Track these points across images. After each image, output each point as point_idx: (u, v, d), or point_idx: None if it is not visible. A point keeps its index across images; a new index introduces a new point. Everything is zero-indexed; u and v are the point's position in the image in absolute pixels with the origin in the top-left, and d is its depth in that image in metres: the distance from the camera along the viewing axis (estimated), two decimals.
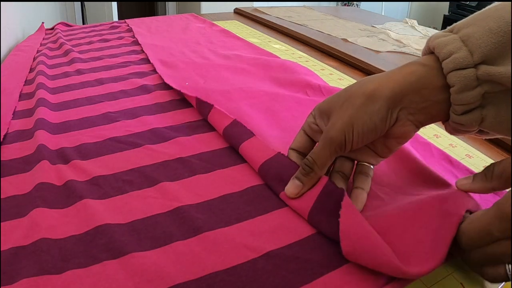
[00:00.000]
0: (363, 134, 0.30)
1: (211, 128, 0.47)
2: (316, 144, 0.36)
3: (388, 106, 0.30)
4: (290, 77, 0.62)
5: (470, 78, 0.28)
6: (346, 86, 0.33)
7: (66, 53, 0.78)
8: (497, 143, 0.46)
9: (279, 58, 0.72)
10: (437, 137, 0.46)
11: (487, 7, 0.29)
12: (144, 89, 0.58)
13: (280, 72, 0.64)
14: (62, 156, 0.41)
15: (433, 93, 0.29)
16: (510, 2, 0.27)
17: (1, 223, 0.31)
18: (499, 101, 0.28)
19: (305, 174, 0.32)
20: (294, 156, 0.36)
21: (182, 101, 0.54)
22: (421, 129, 0.48)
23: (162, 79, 0.62)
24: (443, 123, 0.32)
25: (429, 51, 0.31)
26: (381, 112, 0.30)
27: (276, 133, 0.45)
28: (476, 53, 0.28)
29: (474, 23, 0.28)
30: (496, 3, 0.28)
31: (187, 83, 0.59)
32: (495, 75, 0.27)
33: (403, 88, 0.30)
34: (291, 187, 0.33)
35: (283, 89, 0.57)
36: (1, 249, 0.29)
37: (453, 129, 0.31)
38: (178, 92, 0.56)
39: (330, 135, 0.31)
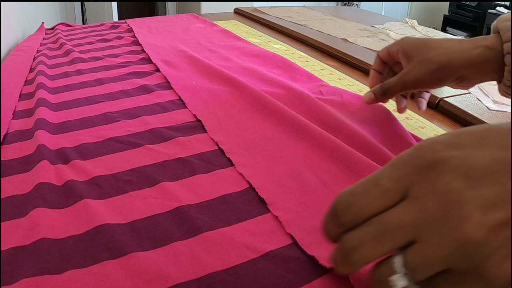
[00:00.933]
0: (428, 87, 0.41)
1: None
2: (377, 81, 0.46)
3: (455, 77, 0.38)
4: (292, 77, 0.62)
5: None
6: (426, 39, 0.41)
7: (66, 53, 0.78)
8: None
9: (280, 56, 0.71)
10: None
11: None
12: (144, 89, 0.58)
13: (282, 71, 0.64)
14: (62, 156, 0.41)
15: (493, 70, 0.37)
16: None
17: (1, 223, 0.31)
18: None
19: (380, 93, 0.42)
20: (373, 75, 0.46)
21: (182, 101, 0.54)
22: (421, 130, 0.48)
23: (163, 78, 0.62)
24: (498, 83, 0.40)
25: (496, 30, 0.38)
26: (449, 80, 0.38)
27: (285, 135, 0.45)
28: None
29: None
30: None
31: (194, 82, 0.59)
32: None
33: (470, 67, 0.37)
34: (367, 96, 0.44)
35: (285, 90, 0.57)
36: (1, 249, 0.29)
37: (504, 93, 0.39)
38: (178, 92, 0.56)
39: (404, 80, 0.40)
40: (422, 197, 0.19)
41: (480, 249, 0.17)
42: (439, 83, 0.39)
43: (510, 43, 0.35)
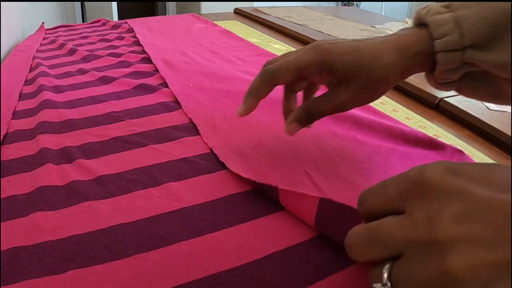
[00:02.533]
0: (362, 105, 0.36)
1: None
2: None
3: (391, 88, 0.36)
4: None
5: (456, 61, 0.32)
6: (355, 49, 0.35)
7: (68, 53, 0.78)
8: (497, 143, 0.46)
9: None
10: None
11: None
12: (148, 89, 0.58)
13: None
14: (66, 155, 0.41)
15: (425, 63, 0.34)
16: None
17: (2, 223, 0.31)
18: (475, 74, 0.34)
19: (305, 120, 0.37)
20: (288, 97, 0.40)
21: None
22: (421, 130, 0.48)
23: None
24: (426, 76, 0.37)
25: (422, 22, 0.34)
26: (385, 92, 0.36)
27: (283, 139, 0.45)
28: (467, 37, 0.31)
29: (471, 5, 0.31)
30: None
31: (191, 84, 0.59)
32: (479, 61, 0.31)
33: (406, 74, 0.35)
34: (292, 128, 0.37)
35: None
36: (2, 249, 0.29)
37: (435, 86, 0.36)
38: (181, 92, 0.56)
39: (336, 103, 0.35)
40: (416, 216, 0.19)
41: (459, 284, 0.17)
42: (374, 98, 0.36)
43: (441, 40, 0.32)
